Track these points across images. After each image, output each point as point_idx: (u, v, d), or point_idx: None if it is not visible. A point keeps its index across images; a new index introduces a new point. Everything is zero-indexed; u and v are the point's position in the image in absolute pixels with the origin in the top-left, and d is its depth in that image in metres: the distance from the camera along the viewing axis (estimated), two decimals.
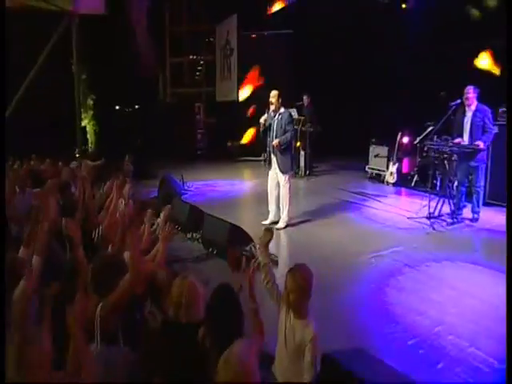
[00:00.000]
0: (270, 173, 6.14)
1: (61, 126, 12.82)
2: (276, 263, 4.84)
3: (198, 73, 15.87)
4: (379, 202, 7.54)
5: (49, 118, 12.45)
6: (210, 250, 5.22)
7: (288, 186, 6.00)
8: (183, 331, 2.32)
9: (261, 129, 6.10)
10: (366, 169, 9.67)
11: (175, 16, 15.24)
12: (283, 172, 5.95)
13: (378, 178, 9.31)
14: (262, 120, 6.04)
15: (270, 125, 5.94)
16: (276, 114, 5.93)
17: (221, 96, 14.34)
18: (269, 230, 2.78)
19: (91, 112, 14.05)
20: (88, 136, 14.22)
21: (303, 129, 9.68)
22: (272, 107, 5.90)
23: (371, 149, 9.57)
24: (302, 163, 10.00)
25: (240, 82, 13.00)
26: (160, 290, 2.98)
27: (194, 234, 5.69)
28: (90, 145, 14.19)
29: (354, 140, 10.35)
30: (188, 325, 2.30)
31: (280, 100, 5.88)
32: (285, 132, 5.84)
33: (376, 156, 9.40)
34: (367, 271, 4.68)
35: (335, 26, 11.18)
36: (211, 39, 14.87)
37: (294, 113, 9.88)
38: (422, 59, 9.53)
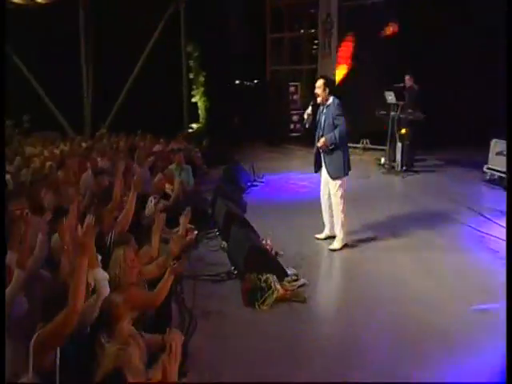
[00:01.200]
0: (322, 177, 4.88)
1: (172, 104, 13.30)
2: (304, 301, 3.66)
3: (312, 49, 14.62)
4: (490, 220, 5.54)
5: (161, 96, 12.85)
6: (233, 268, 4.22)
7: (340, 194, 4.71)
8: None
9: (306, 125, 4.92)
10: (485, 169, 7.53)
11: None
12: (332, 177, 4.71)
13: (500, 183, 7.11)
14: (305, 115, 4.91)
15: (318, 120, 4.82)
16: (323, 107, 4.75)
17: (322, 74, 12.93)
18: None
19: (202, 88, 14.30)
20: (199, 112, 14.56)
21: (402, 116, 7.90)
22: (318, 99, 4.74)
23: (493, 143, 7.40)
24: (398, 156, 8.25)
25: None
26: (113, 318, 2.57)
27: (225, 244, 4.73)
28: (200, 120, 14.48)
29: (471, 130, 8.17)
30: None
31: (327, 90, 4.67)
32: (334, 127, 4.57)
33: (499, 153, 7.19)
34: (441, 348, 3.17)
35: None
36: (314, 12, 13.39)
37: (391, 97, 8.14)
38: None
